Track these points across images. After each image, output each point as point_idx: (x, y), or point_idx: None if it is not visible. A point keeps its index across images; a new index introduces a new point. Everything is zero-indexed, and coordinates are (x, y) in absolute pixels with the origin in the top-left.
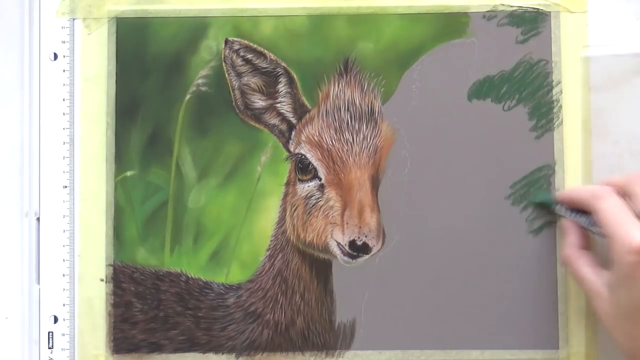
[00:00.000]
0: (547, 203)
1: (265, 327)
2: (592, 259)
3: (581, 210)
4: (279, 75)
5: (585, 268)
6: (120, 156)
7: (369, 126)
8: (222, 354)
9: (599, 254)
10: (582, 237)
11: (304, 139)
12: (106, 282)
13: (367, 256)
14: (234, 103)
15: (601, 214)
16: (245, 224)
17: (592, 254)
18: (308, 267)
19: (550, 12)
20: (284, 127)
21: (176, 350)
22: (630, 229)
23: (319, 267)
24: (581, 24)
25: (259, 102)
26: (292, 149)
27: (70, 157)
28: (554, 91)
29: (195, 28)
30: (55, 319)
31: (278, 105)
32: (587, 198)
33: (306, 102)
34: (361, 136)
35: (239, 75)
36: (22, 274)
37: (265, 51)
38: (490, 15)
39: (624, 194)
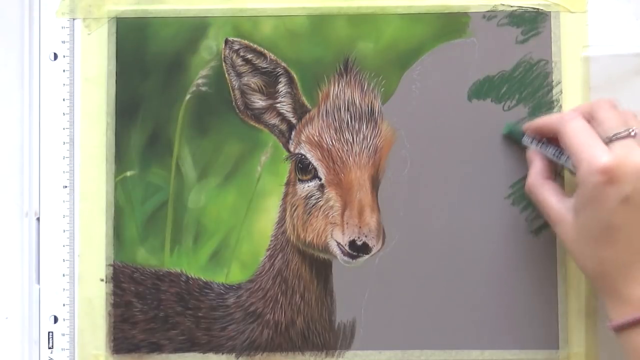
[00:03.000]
0: (515, 134)
1: (265, 327)
2: (556, 187)
3: (548, 142)
4: (279, 75)
5: (549, 195)
6: (120, 156)
7: (369, 126)
8: (222, 354)
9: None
10: (547, 168)
11: (304, 139)
12: (106, 282)
13: (367, 256)
14: (234, 103)
15: (566, 136)
16: (245, 224)
17: (556, 183)
18: (308, 267)
19: (550, 12)
20: (284, 127)
21: (176, 350)
22: (595, 150)
23: (319, 267)
24: (581, 24)
25: (259, 102)
26: (292, 149)
27: (70, 157)
28: (554, 91)
29: (195, 28)
30: (55, 319)
31: (278, 105)
32: (553, 122)
33: (306, 102)
34: (361, 136)
35: (239, 75)
36: (22, 274)
37: (265, 51)
38: (490, 15)
39: (590, 119)
